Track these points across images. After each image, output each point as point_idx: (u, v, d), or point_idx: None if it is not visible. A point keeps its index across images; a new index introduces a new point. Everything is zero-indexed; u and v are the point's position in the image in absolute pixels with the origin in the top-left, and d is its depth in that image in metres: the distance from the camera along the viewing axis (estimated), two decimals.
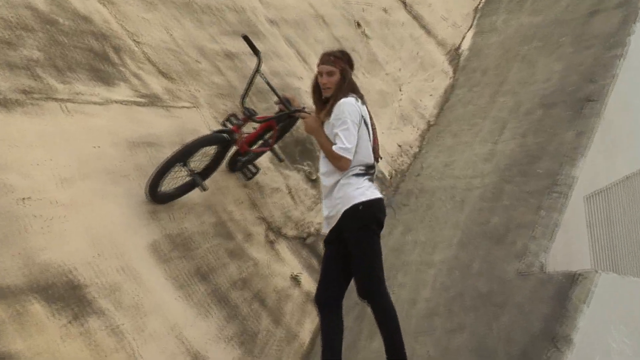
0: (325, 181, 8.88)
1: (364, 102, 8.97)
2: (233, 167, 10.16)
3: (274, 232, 10.39)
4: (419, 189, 11.39)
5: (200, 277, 9.62)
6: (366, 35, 12.55)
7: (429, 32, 13.16)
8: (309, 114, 9.18)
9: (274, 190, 10.62)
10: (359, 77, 11.70)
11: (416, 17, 13.19)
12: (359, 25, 12.59)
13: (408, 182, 11.49)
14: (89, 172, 9.39)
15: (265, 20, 11.74)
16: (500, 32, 13.36)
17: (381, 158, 9.28)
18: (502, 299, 9.85)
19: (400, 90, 12.29)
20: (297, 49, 11.73)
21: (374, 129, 9.04)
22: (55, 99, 9.52)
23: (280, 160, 10.41)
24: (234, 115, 10.03)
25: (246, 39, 9.74)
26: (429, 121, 12.27)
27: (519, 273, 10.05)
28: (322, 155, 8.93)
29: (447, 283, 10.27)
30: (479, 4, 13.99)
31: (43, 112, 9.40)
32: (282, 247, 10.36)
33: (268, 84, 9.79)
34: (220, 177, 10.15)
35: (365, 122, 8.87)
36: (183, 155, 9.47)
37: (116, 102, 9.95)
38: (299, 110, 9.49)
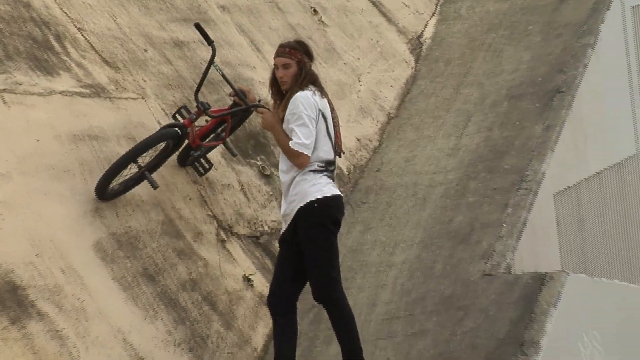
0: (284, 178, 8.87)
1: (323, 95, 8.95)
2: (184, 161, 10.12)
3: (226, 230, 10.37)
4: (379, 186, 11.38)
5: (147, 278, 9.60)
6: (323, 22, 12.55)
7: (389, 19, 13.17)
8: (267, 109, 9.15)
9: (225, 186, 10.60)
10: (316, 66, 11.72)
11: (376, 4, 13.20)
12: (315, 12, 12.59)
13: (367, 179, 11.49)
14: (29, 167, 9.37)
15: (216, 6, 11.73)
16: (465, 19, 13.38)
17: (343, 153, 9.31)
18: (466, 302, 9.86)
19: (359, 81, 12.30)
20: (250, 37, 11.72)
21: (336, 123, 9.03)
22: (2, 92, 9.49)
23: (234, 155, 10.38)
24: (184, 107, 10.01)
25: (198, 27, 9.73)
26: (389, 114, 12.28)
27: (484, 275, 10.06)
28: (281, 155, 8.91)
29: (408, 285, 10.27)
30: None
31: None
32: (234, 246, 10.35)
33: (223, 76, 9.83)
34: (168, 172, 10.11)
35: (324, 116, 8.85)
36: (137, 153, 9.48)
37: (58, 92, 9.93)
38: (257, 106, 9.41)
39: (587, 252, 11.16)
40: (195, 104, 9.87)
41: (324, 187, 8.78)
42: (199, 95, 9.85)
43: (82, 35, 10.46)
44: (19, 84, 9.69)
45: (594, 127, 11.65)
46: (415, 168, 11.48)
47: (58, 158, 9.56)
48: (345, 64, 12.34)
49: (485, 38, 12.90)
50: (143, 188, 9.77)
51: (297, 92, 8.78)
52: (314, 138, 8.71)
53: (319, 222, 8.81)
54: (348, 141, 11.74)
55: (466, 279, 10.08)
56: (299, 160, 8.70)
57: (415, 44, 13.14)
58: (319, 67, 11.53)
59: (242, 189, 10.72)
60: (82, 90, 10.11)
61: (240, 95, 9.62)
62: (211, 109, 9.85)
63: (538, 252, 10.49)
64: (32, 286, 8.85)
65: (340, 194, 8.95)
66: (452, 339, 9.60)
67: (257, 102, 9.64)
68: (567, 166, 11.11)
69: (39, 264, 9.01)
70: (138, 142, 9.68)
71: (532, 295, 9.66)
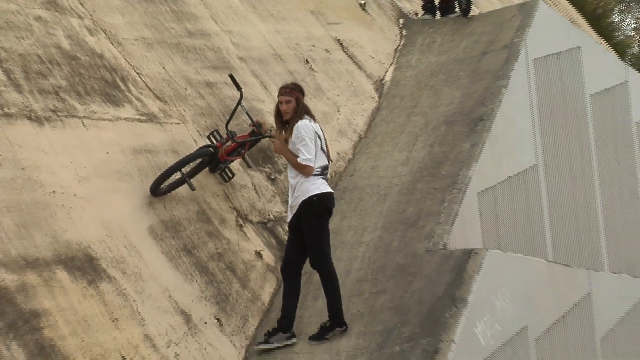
0: (292, 181, 9.22)
1: (316, 121, 9.34)
2: (213, 170, 10.19)
3: (242, 218, 10.38)
4: (352, 186, 11.40)
5: (186, 252, 9.60)
6: (312, 69, 12.54)
7: (360, 67, 13.16)
8: (276, 137, 9.49)
9: (242, 186, 10.61)
10: (307, 101, 11.68)
11: (351, 56, 13.19)
12: (307, 61, 12.59)
13: (344, 181, 11.51)
14: (102, 172, 9.37)
15: (236, 57, 11.74)
16: (414, 67, 13.36)
17: (332, 161, 9.90)
18: (415, 270, 9.88)
19: (338, 111, 12.30)
20: (260, 79, 11.73)
21: (325, 139, 9.37)
22: (76, 116, 9.50)
23: (249, 166, 10.53)
24: (216, 131, 10.15)
25: (231, 77, 10.11)
26: (359, 135, 12.28)
27: (428, 250, 10.08)
28: (288, 166, 9.31)
29: (373, 257, 10.28)
30: (398, 46, 13.98)
31: (66, 126, 9.38)
32: (249, 229, 10.35)
33: (247, 114, 10.09)
34: (201, 176, 10.15)
35: (318, 136, 9.20)
36: (181, 165, 9.66)
37: (123, 119, 9.93)
38: (270, 136, 9.82)
39: (500, 234, 11.19)
40: (225, 131, 10.03)
41: (321, 186, 9.14)
42: (229, 126, 10.06)
43: (140, 78, 10.45)
44: (95, 112, 9.69)
45: (506, 145, 11.68)
46: (379, 173, 11.50)
47: (123, 166, 9.56)
48: (328, 99, 12.33)
49: (428, 81, 12.90)
50: (183, 188, 9.80)
51: (297, 121, 9.14)
52: (314, 152, 9.06)
53: (317, 211, 9.17)
54: (331, 154, 11.74)
55: (415, 253, 10.10)
56: (305, 171, 9.08)
57: (379, 85, 13.14)
58: (310, 101, 11.50)
59: (255, 188, 10.72)
60: (140, 117, 10.11)
61: (257, 127, 9.98)
62: (237, 136, 9.99)
63: (466, 234, 10.52)
64: (103, 257, 8.85)
65: (332, 191, 9.34)
66: (404, 296, 9.61)
67: (269, 132, 10.00)
68: (487, 173, 11.14)
69: (109, 241, 9.01)
70: (182, 156, 9.87)
71: (462, 265, 9.68)
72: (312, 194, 9.13)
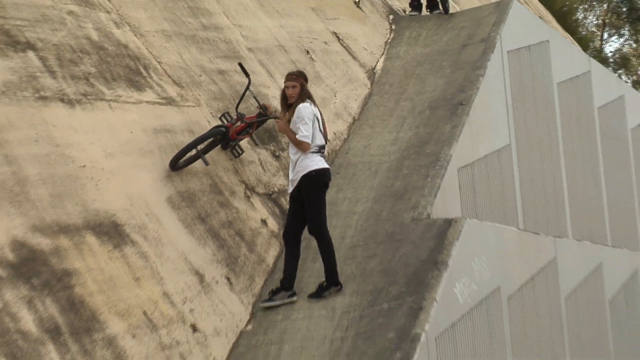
0: (293, 157, 9.30)
1: (315, 105, 9.40)
2: (225, 147, 10.17)
3: (250, 190, 10.34)
4: (347, 163, 11.37)
5: (200, 219, 9.59)
6: (312, 59, 12.50)
7: (354, 57, 13.11)
8: (280, 119, 9.54)
9: (250, 162, 10.57)
10: (308, 87, 11.64)
11: (346, 48, 13.14)
12: (307, 52, 12.54)
13: (340, 158, 11.47)
14: (126, 149, 9.36)
15: (245, 48, 11.70)
16: (402, 58, 13.32)
17: (329, 141, 9.96)
18: (402, 237, 9.86)
19: (335, 96, 12.26)
20: (266, 68, 11.69)
21: (323, 122, 9.43)
22: (103, 100, 9.48)
23: (256, 144, 10.52)
24: (227, 113, 10.16)
25: (241, 65, 10.19)
26: (354, 117, 12.24)
27: (413, 219, 10.05)
28: (290, 143, 9.35)
29: (365, 225, 10.26)
30: (388, 39, 13.93)
31: (94, 108, 9.37)
32: (255, 200, 10.32)
33: (255, 98, 10.15)
34: (214, 153, 10.13)
35: (317, 118, 9.26)
36: (197, 143, 9.68)
37: (145, 102, 9.90)
38: (275, 117, 9.84)
39: (477, 205, 11.17)
40: (235, 113, 10.06)
41: (319, 162, 9.22)
42: (239, 108, 10.12)
43: (160, 66, 10.41)
44: (120, 96, 9.66)
45: (483, 127, 11.65)
46: (370, 152, 11.47)
47: (144, 144, 9.53)
48: (326, 85, 12.29)
49: (414, 70, 12.86)
50: (198, 164, 9.77)
51: (300, 103, 9.21)
52: (312, 132, 9.12)
53: (315, 185, 9.24)
54: (328, 134, 11.72)
55: (401, 222, 10.07)
56: (302, 147, 9.15)
57: (371, 73, 13.09)
58: (310, 87, 11.42)
59: (261, 164, 10.69)
60: (160, 100, 10.08)
61: (264, 109, 10.05)
62: (245, 117, 10.02)
63: (447, 205, 10.50)
64: (127, 224, 8.84)
65: (328, 167, 9.40)
66: (392, 260, 9.59)
67: (274, 114, 10.00)
68: (465, 151, 11.11)
69: (132, 210, 9.00)
70: (197, 135, 9.86)
71: (443, 232, 9.65)
72: (311, 169, 9.19)
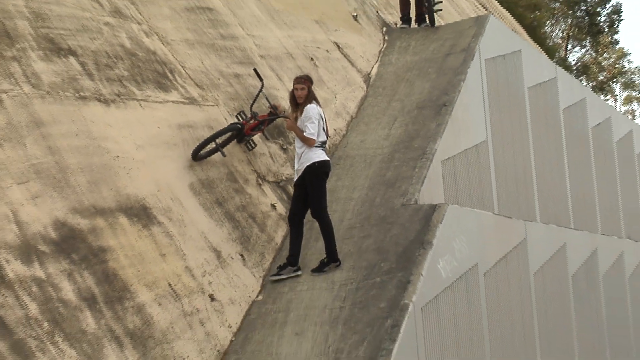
0: (298, 150, 9.35)
1: (320, 106, 9.43)
2: (240, 141, 10.15)
3: (261, 178, 10.31)
4: (345, 155, 11.33)
5: (218, 203, 9.57)
6: (316, 65, 12.46)
7: (352, 64, 13.07)
8: (289, 117, 9.62)
9: (261, 154, 10.54)
10: (321, 92, 11.62)
11: (345, 56, 13.10)
12: (312, 59, 12.50)
13: (339, 151, 11.43)
14: (154, 142, 9.34)
15: (258, 55, 11.66)
16: (394, 64, 13.27)
17: (330, 136, 9.96)
18: (393, 220, 9.83)
19: (335, 98, 12.23)
20: (276, 72, 11.65)
21: (325, 120, 9.46)
22: (135, 99, 9.45)
23: (267, 139, 10.51)
24: (242, 111, 10.16)
25: (255, 71, 10.19)
26: (351, 116, 12.20)
27: (403, 205, 10.02)
28: (295, 137, 9.40)
29: (360, 210, 10.23)
30: (381, 48, 13.88)
31: (127, 107, 9.34)
32: (266, 187, 10.29)
33: (266, 99, 10.12)
34: (230, 146, 10.10)
35: (321, 117, 9.28)
36: (216, 136, 9.66)
37: (171, 101, 9.87)
38: (284, 116, 9.94)
39: (458, 193, 11.14)
40: (249, 111, 10.04)
41: (321, 155, 9.27)
42: (253, 107, 10.09)
43: (184, 70, 10.38)
44: (149, 96, 9.63)
45: (463, 124, 11.62)
46: (365, 146, 11.43)
47: (170, 137, 9.51)
48: (328, 88, 12.26)
49: (404, 75, 12.81)
50: (216, 155, 9.75)
51: (307, 104, 9.29)
52: (317, 129, 9.19)
53: (317, 174, 9.28)
54: (329, 131, 11.71)
55: (392, 207, 10.04)
56: (308, 142, 9.22)
57: (366, 78, 13.04)
58: (314, 90, 11.42)
59: (271, 156, 10.66)
60: (184, 100, 10.04)
61: (274, 109, 10.04)
62: (258, 115, 9.99)
63: (432, 192, 10.47)
64: (154, 207, 8.83)
65: (329, 159, 9.44)
66: (384, 240, 9.57)
67: (283, 113, 10.01)
68: (448, 146, 11.08)
69: (159, 195, 8.99)
70: (216, 130, 9.82)
71: (428, 216, 9.63)
72: (314, 161, 9.23)
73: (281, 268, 9.39)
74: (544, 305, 12.23)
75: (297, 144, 9.41)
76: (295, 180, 9.49)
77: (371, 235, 9.76)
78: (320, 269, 9.37)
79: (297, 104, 9.42)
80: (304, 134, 9.21)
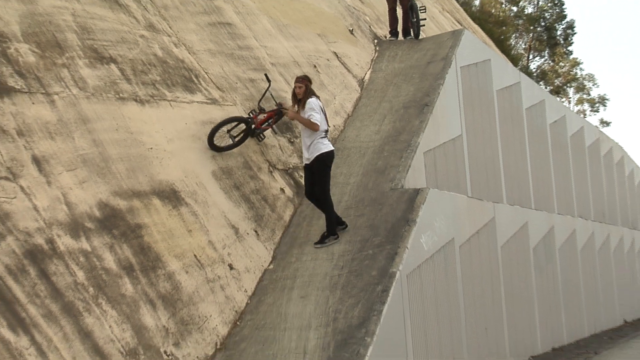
0: (307, 140, 9.34)
1: (319, 100, 9.40)
2: (252, 134, 10.09)
3: (272, 167, 10.28)
4: (343, 147, 11.28)
5: (235, 187, 9.55)
6: (318, 71, 12.40)
7: (349, 70, 13.01)
8: (288, 109, 9.74)
9: (272, 146, 10.50)
10: (316, 91, 11.58)
11: (343, 63, 13.04)
12: (314, 66, 12.44)
13: (338, 144, 11.36)
14: (182, 136, 9.29)
15: (269, 63, 11.60)
16: (384, 71, 13.21)
17: (329, 126, 9.85)
18: (383, 201, 9.80)
19: (334, 99, 12.17)
20: (284, 77, 11.59)
21: (325, 113, 9.46)
22: (165, 100, 9.41)
23: (275, 132, 10.47)
24: (254, 110, 10.10)
25: (266, 75, 10.35)
26: (348, 114, 12.15)
27: (391, 189, 9.99)
28: (303, 129, 9.39)
29: (355, 193, 10.20)
30: (373, 57, 13.81)
31: (159, 106, 9.29)
32: (276, 174, 10.25)
33: (272, 97, 10.18)
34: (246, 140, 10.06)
35: (322, 109, 9.27)
36: (225, 123, 9.65)
37: (196, 102, 9.82)
38: (284, 108, 10.03)
39: (438, 179, 11.10)
40: (258, 107, 10.10)
41: (328, 145, 9.39)
42: (261, 103, 10.09)
43: (207, 75, 10.32)
44: (178, 97, 9.58)
45: (442, 122, 11.58)
46: (360, 139, 11.39)
47: (195, 132, 9.46)
48: (328, 90, 12.21)
49: (392, 80, 12.75)
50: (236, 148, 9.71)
51: (308, 99, 9.28)
52: (320, 118, 9.20)
53: (325, 162, 9.32)
54: (329, 125, 11.68)
55: (382, 191, 10.01)
56: (314, 127, 9.22)
57: (360, 82, 12.98)
58: (317, 92, 11.41)
59: (280, 147, 10.61)
60: (207, 101, 9.99)
61: (279, 106, 10.08)
62: (266, 110, 10.05)
63: (416, 179, 10.44)
64: (182, 191, 8.80)
65: (333, 149, 9.56)
66: (376, 217, 9.55)
67: (285, 108, 9.98)
68: (429, 139, 11.04)
69: (186, 180, 8.96)
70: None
71: (412, 198, 9.60)
72: (323, 152, 9.25)
73: (323, 238, 9.43)
74: (509, 273, 12.23)
75: (305, 133, 9.34)
76: (305, 164, 9.46)
77: (364, 214, 9.73)
78: (321, 241, 9.37)
79: (299, 100, 9.40)
80: (312, 119, 9.17)
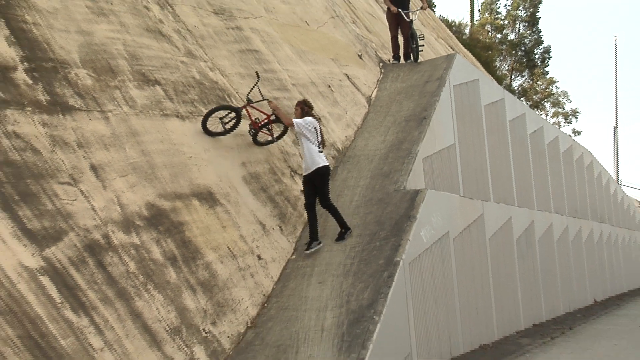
0: (306, 153, 8.97)
1: (317, 119, 9.16)
2: (254, 138, 9.71)
3: (293, 172, 10.21)
4: (354, 155, 11.19)
5: (262, 190, 9.52)
6: (332, 90, 12.33)
7: (358, 89, 12.93)
8: (271, 101, 9.40)
9: (293, 154, 10.41)
10: (329, 108, 11.53)
11: (353, 83, 12.95)
12: (329, 86, 12.37)
13: (349, 152, 11.27)
14: (216, 146, 9.25)
15: (290, 84, 11.54)
16: (388, 90, 13.11)
17: (325, 146, 9.27)
18: (388, 200, 9.71)
19: (346, 114, 12.09)
20: (303, 96, 11.51)
21: (321, 131, 9.15)
22: (202, 116, 9.34)
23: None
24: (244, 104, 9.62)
25: (257, 72, 9.91)
26: (358, 126, 12.06)
27: (395, 190, 9.89)
28: (300, 145, 8.98)
29: (364, 193, 10.11)
30: (379, 78, 13.71)
31: (197, 121, 9.25)
32: (297, 178, 10.14)
33: (260, 92, 9.82)
34: (271, 147, 9.95)
35: (315, 128, 9.01)
36: (215, 110, 9.15)
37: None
38: (268, 100, 9.47)
39: (435, 181, 10.99)
40: (246, 99, 9.64)
41: (325, 160, 9.09)
42: (251, 95, 9.67)
43: (237, 95, 10.27)
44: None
45: (438, 132, 11.46)
46: (368, 147, 11.29)
47: (228, 143, 9.41)
48: (341, 107, 12.13)
49: (396, 97, 12.65)
50: (262, 154, 9.61)
51: (305, 117, 9.08)
52: (305, 127, 8.91)
53: (324, 174, 9.03)
54: (341, 136, 11.56)
55: (387, 192, 9.92)
56: (286, 121, 9.06)
57: (368, 99, 12.90)
58: (332, 108, 11.35)
59: (300, 155, 10.51)
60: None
61: (267, 100, 9.57)
62: (253, 102, 9.54)
63: (416, 181, 10.34)
64: (217, 193, 8.76)
65: (328, 163, 9.10)
66: (382, 214, 9.46)
67: (271, 101, 9.40)
68: (426, 148, 10.93)
69: (220, 184, 8.90)
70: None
71: (413, 198, 9.50)
72: (321, 165, 8.96)
73: (309, 244, 9.18)
74: (496, 261, 12.11)
75: (303, 148, 9.00)
76: (304, 176, 9.12)
77: (372, 212, 9.64)
78: (341, 237, 9.23)
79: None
80: (292, 119, 8.95)
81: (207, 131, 9.15)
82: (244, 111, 9.53)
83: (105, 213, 7.46)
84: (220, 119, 9.30)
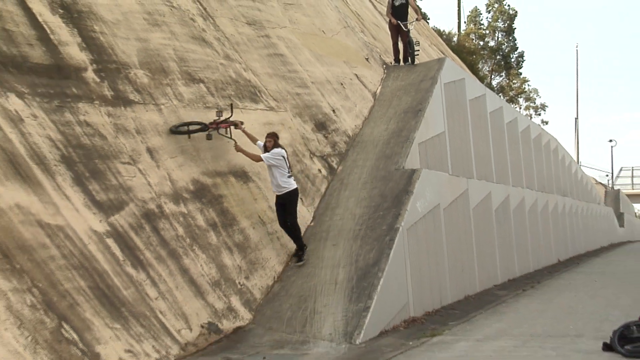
0: (274, 180, 8.07)
1: (284, 149, 8.17)
2: (208, 136, 8.21)
3: (312, 154, 10.05)
4: (362, 141, 11.00)
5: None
6: (344, 87, 12.13)
7: (365, 87, 12.71)
8: (238, 124, 8.32)
9: (312, 140, 10.22)
10: (342, 102, 11.31)
11: (361, 82, 12.73)
12: (342, 84, 12.16)
13: (358, 138, 11.07)
14: (254, 134, 9.05)
15: (310, 82, 11.33)
16: (390, 87, 12.86)
17: (292, 172, 8.29)
18: (389, 178, 9.55)
19: (355, 107, 11.89)
20: (320, 92, 11.32)
21: (289, 160, 8.21)
22: (238, 108, 9.21)
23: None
24: (215, 118, 8.42)
25: (231, 105, 8.60)
26: (365, 117, 11.87)
27: (395, 169, 9.73)
28: (274, 177, 8.03)
29: (371, 172, 9.94)
30: (382, 77, 13.45)
31: (234, 113, 9.04)
32: (315, 159, 9.96)
33: (227, 119, 8.39)
34: (297, 143, 9.75)
35: (283, 157, 8.04)
36: (188, 123, 7.97)
37: (259, 109, 9.60)
38: (235, 123, 8.30)
39: (428, 162, 10.82)
40: (216, 117, 8.42)
41: (294, 183, 8.16)
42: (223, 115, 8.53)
43: (267, 91, 10.11)
44: (247, 106, 9.36)
45: (430, 122, 11.26)
46: (373, 134, 11.10)
47: (259, 130, 9.19)
48: (352, 101, 11.93)
49: (396, 93, 12.41)
50: (287, 140, 9.44)
51: (274, 149, 8.07)
52: (274, 160, 7.99)
53: (294, 196, 8.18)
54: (351, 125, 11.37)
55: (389, 170, 9.74)
56: (255, 159, 8.12)
57: (373, 95, 12.68)
58: (346, 102, 11.12)
59: (317, 140, 10.34)
60: (266, 109, 9.76)
61: (240, 123, 8.45)
62: (214, 123, 8.25)
63: (412, 161, 10.17)
64: (250, 172, 8.72)
65: (297, 186, 8.19)
66: (385, 189, 9.30)
67: (240, 125, 8.41)
68: (422, 134, 10.74)
69: (253, 164, 8.82)
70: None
71: (410, 176, 9.34)
72: (292, 188, 8.09)
73: (300, 257, 8.33)
74: (478, 228, 11.93)
75: (274, 177, 8.03)
76: (276, 196, 8.17)
77: (377, 187, 9.49)
78: (300, 258, 8.31)
79: (267, 150, 8.08)
80: (262, 156, 7.98)
81: (172, 131, 7.83)
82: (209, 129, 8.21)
83: (159, 187, 7.39)
84: (187, 124, 8.04)
